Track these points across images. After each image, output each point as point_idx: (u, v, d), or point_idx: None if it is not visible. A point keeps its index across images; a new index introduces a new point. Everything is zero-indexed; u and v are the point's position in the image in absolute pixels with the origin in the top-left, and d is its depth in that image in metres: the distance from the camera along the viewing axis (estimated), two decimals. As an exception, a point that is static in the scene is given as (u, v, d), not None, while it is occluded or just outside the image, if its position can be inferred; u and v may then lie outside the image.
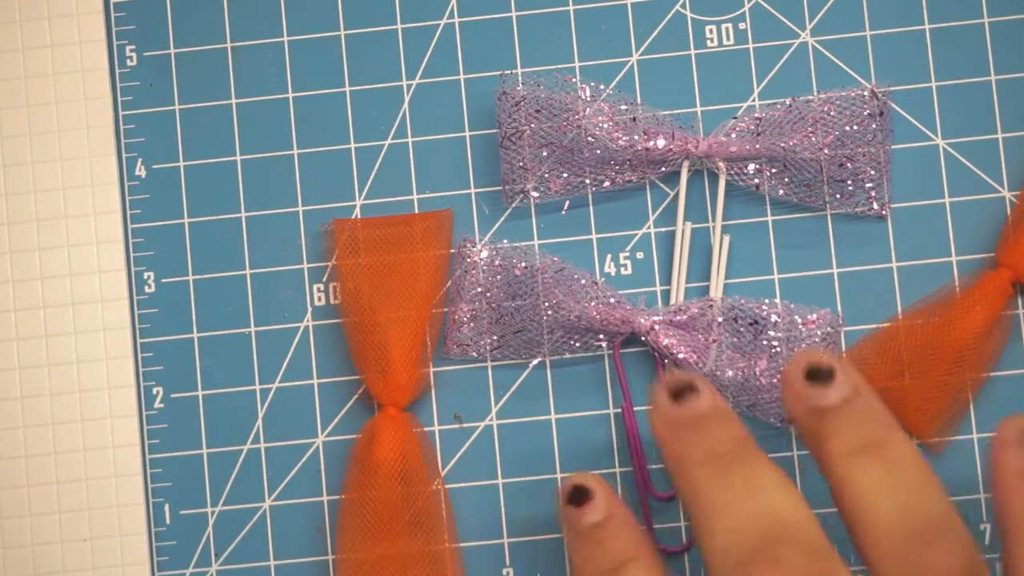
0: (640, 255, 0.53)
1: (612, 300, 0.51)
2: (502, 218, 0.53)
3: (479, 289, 0.52)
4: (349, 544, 0.51)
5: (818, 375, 0.42)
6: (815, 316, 0.50)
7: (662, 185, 0.53)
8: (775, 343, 0.50)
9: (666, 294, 0.53)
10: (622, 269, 0.53)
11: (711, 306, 0.51)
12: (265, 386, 0.53)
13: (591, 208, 0.53)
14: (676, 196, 0.53)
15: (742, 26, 0.53)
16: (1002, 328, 0.51)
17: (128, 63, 0.55)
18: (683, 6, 0.54)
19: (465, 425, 0.53)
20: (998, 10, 0.53)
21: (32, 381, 0.53)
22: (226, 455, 0.53)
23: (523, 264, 0.52)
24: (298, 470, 0.53)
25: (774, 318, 0.50)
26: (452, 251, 0.53)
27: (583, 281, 0.51)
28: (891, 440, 0.41)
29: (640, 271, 0.53)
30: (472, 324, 0.52)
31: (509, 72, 0.53)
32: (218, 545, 0.53)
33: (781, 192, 0.52)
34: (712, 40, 0.53)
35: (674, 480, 0.43)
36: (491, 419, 0.53)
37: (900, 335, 0.51)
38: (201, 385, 0.53)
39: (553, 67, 0.53)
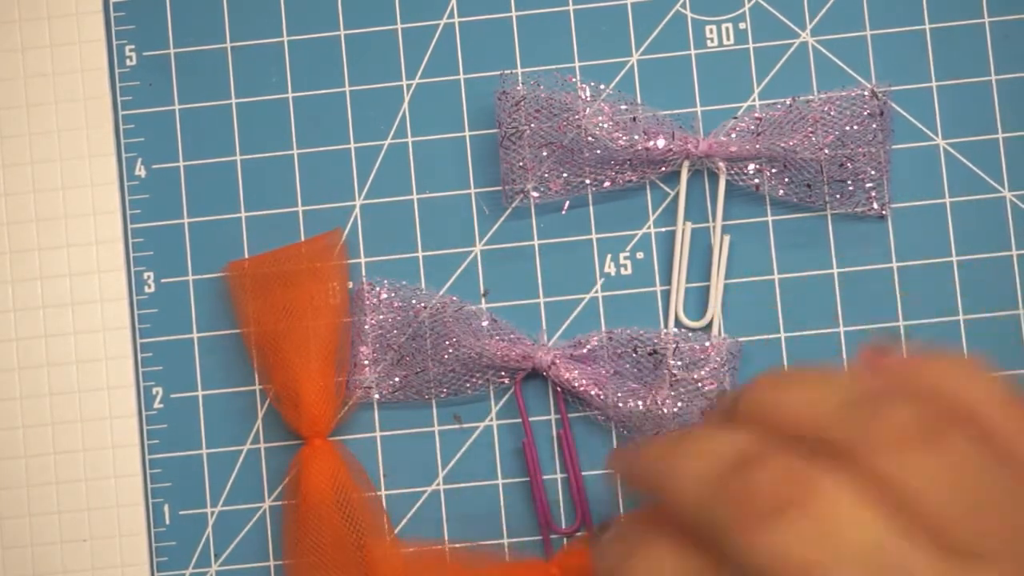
0: (640, 255, 0.53)
1: (512, 336, 0.51)
2: (502, 218, 0.53)
3: (379, 331, 0.52)
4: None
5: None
6: (711, 344, 0.51)
7: (662, 185, 0.53)
8: (675, 371, 0.50)
9: (666, 294, 0.53)
10: (622, 269, 0.53)
11: (610, 338, 0.51)
12: (264, 389, 0.53)
13: (591, 208, 0.53)
14: (676, 196, 0.53)
15: (742, 26, 0.53)
16: None
17: (128, 63, 0.55)
18: (683, 6, 0.54)
19: (465, 425, 0.53)
20: (998, 10, 0.53)
21: (32, 381, 0.53)
22: (226, 455, 0.53)
23: (421, 304, 0.52)
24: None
25: (672, 347, 0.51)
26: (351, 286, 0.52)
27: (483, 319, 0.52)
28: None
29: (640, 271, 0.53)
30: (373, 366, 0.52)
31: (509, 72, 0.53)
32: (218, 545, 0.53)
33: (781, 192, 0.52)
34: (712, 40, 0.53)
35: None
36: (491, 419, 0.53)
37: None
38: (201, 385, 0.53)
39: (553, 67, 0.53)
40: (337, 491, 0.50)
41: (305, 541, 0.50)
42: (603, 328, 0.52)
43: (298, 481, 0.51)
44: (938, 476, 0.28)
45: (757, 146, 0.51)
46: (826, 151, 0.51)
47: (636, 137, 0.51)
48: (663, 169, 0.52)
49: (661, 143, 0.51)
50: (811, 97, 0.52)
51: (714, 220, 0.52)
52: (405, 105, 0.54)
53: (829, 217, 0.52)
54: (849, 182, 0.51)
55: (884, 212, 0.52)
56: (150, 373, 0.53)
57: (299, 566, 0.51)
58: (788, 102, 0.52)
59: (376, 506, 0.52)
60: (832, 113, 0.51)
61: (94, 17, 0.55)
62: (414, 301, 0.52)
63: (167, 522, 0.53)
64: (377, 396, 0.52)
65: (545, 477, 0.52)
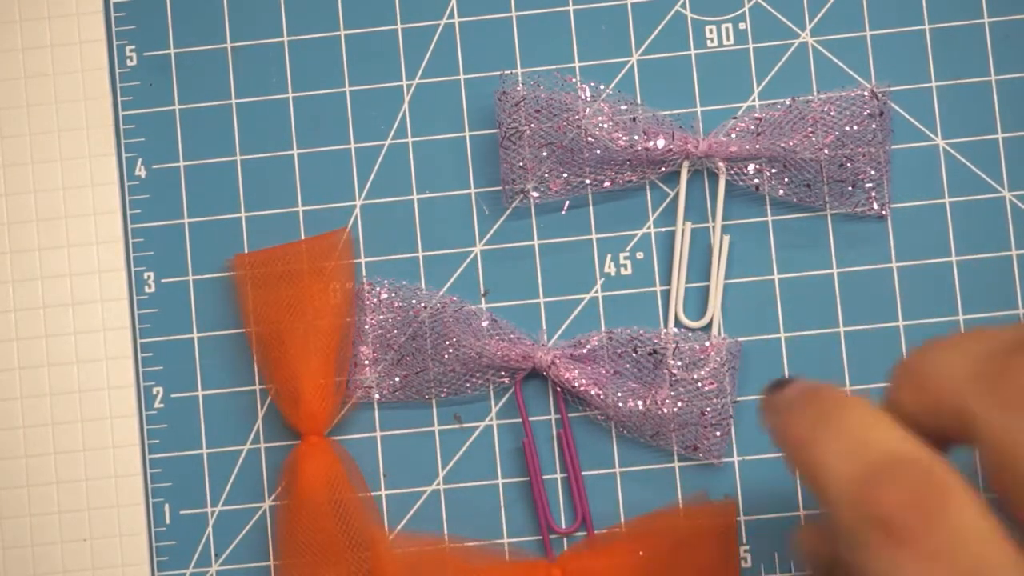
0: (640, 255, 0.53)
1: (512, 336, 0.51)
2: (502, 218, 0.53)
3: (379, 331, 0.52)
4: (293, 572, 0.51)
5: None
6: (711, 344, 0.51)
7: (662, 185, 0.53)
8: (675, 371, 0.50)
9: (666, 294, 0.53)
10: (622, 269, 0.53)
11: (610, 338, 0.51)
12: (265, 386, 0.53)
13: (591, 208, 0.53)
14: (676, 196, 0.53)
15: (742, 26, 0.53)
16: None
17: (128, 63, 0.55)
18: (683, 6, 0.54)
19: (465, 425, 0.53)
20: (998, 10, 0.53)
21: (32, 381, 0.53)
22: (226, 455, 0.53)
23: (421, 304, 0.52)
24: (298, 470, 0.53)
25: (672, 347, 0.51)
26: (354, 286, 0.52)
27: (483, 319, 0.52)
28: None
29: (640, 271, 0.53)
30: (373, 366, 0.52)
31: (509, 72, 0.53)
32: (218, 545, 0.53)
33: (781, 192, 0.52)
34: (712, 40, 0.53)
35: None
36: (491, 419, 0.53)
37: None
38: (201, 385, 0.53)
39: (553, 67, 0.53)
40: (331, 489, 0.50)
41: (297, 539, 0.50)
42: (603, 328, 0.52)
43: (292, 477, 0.51)
44: None
45: (757, 146, 0.51)
46: (826, 151, 0.51)
47: (636, 137, 0.51)
48: (663, 169, 0.52)
49: (661, 143, 0.51)
50: (811, 97, 0.52)
51: (714, 220, 0.52)
52: (405, 105, 0.54)
53: (829, 217, 0.52)
54: (849, 182, 0.51)
55: (884, 212, 0.52)
56: (150, 373, 0.53)
57: (290, 564, 0.51)
58: (788, 102, 0.52)
59: (372, 506, 0.52)
60: (832, 113, 0.51)
61: (94, 17, 0.55)
62: (414, 301, 0.52)
63: (167, 522, 0.53)
64: (377, 396, 0.52)
65: (545, 477, 0.52)
